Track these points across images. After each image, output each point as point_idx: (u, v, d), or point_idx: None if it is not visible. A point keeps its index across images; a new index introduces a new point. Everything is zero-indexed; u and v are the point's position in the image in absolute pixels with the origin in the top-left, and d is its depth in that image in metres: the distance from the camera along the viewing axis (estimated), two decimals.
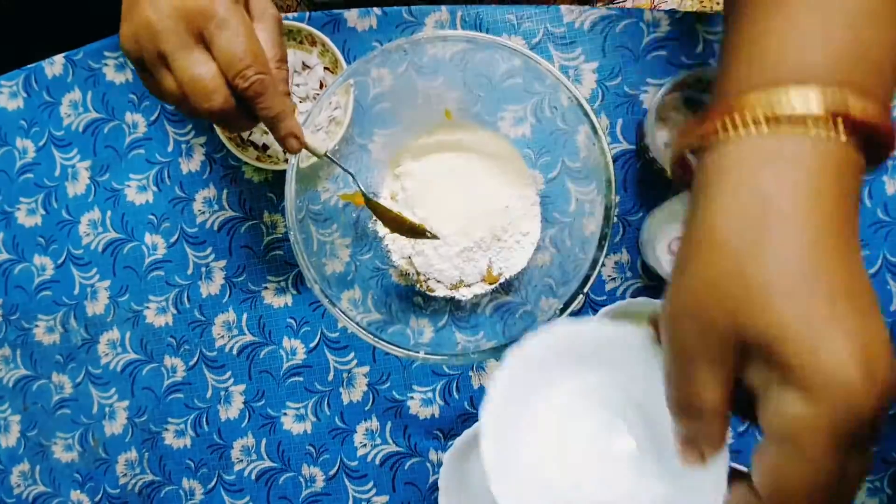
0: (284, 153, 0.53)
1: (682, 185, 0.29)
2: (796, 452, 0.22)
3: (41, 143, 0.58)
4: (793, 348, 0.22)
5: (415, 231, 0.48)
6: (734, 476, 0.26)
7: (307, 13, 0.54)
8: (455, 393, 0.54)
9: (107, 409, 0.58)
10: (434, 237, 0.49)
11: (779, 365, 0.22)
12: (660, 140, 0.50)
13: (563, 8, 0.52)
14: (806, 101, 0.23)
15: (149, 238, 0.57)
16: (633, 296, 0.52)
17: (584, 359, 0.31)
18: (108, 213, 0.57)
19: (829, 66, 0.24)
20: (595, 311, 0.52)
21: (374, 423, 0.55)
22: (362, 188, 0.46)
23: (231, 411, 0.56)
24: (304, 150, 0.41)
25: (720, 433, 0.25)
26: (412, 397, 0.55)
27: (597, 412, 0.32)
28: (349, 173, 0.46)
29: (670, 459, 0.28)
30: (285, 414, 0.56)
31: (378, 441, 0.55)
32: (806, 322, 0.22)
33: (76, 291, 0.58)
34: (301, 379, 0.56)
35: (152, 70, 0.36)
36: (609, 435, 0.31)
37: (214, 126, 0.50)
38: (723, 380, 0.24)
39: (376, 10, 0.53)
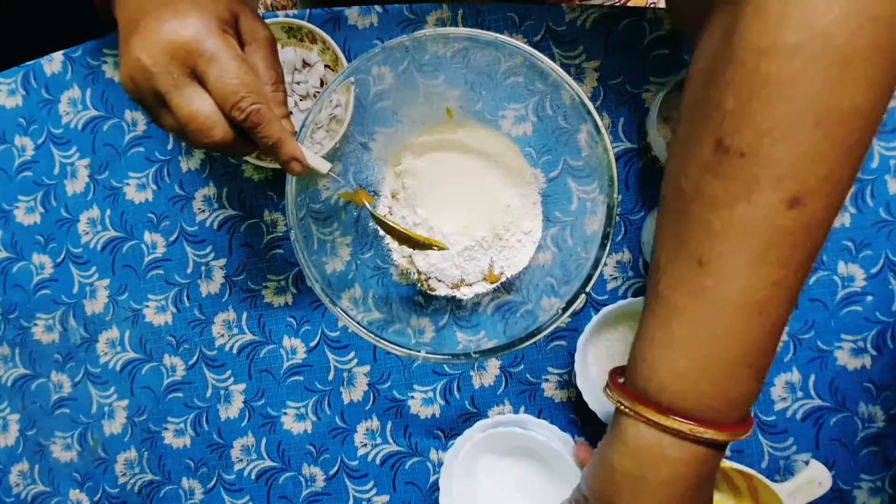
0: None
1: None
2: None
3: (40, 141, 0.58)
4: None
5: (422, 245, 0.48)
6: None
7: (308, 10, 0.53)
8: (456, 392, 0.54)
9: (106, 409, 0.57)
10: (442, 248, 0.49)
11: None
12: (662, 139, 0.49)
13: (565, 6, 0.52)
14: (674, 423, 0.33)
15: (148, 236, 0.56)
16: (635, 295, 0.52)
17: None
18: (108, 211, 0.57)
19: (699, 403, 0.33)
20: (597, 311, 0.52)
21: (374, 423, 0.55)
22: (371, 208, 0.47)
23: (231, 411, 0.56)
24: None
25: None
26: (413, 397, 0.54)
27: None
28: (354, 186, 0.46)
29: None
30: (285, 413, 0.56)
31: (378, 440, 0.55)
32: None
33: (75, 290, 0.57)
34: (301, 378, 0.55)
35: (152, 109, 0.36)
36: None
37: None
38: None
39: (377, 8, 0.53)
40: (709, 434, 0.32)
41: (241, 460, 0.56)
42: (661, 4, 0.73)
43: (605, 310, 0.48)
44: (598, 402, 0.50)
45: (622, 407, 0.35)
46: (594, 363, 0.51)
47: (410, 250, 0.51)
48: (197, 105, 0.35)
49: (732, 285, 0.30)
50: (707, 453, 0.34)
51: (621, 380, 0.37)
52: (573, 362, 0.50)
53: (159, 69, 0.34)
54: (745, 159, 0.29)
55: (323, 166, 0.41)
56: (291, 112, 0.51)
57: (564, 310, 0.41)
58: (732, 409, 0.33)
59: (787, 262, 0.30)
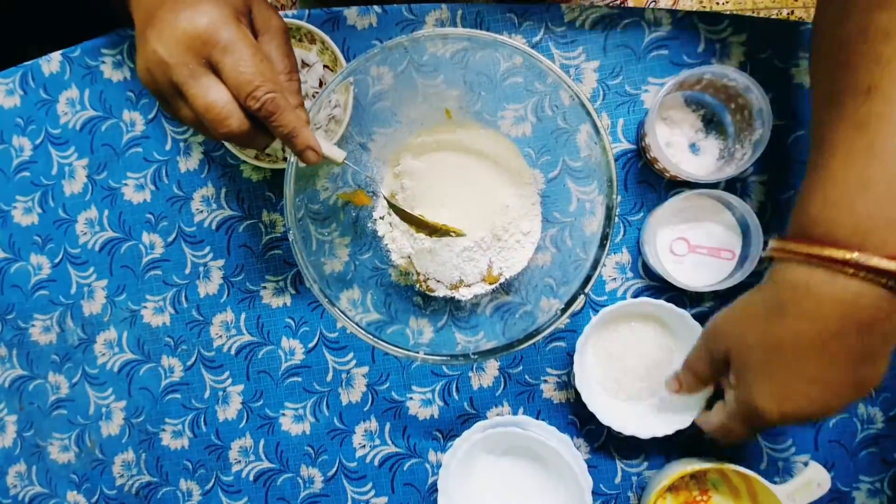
0: (284, 151, 0.52)
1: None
2: (729, 417, 0.41)
3: (38, 141, 0.57)
4: (746, 379, 0.39)
5: (440, 231, 0.48)
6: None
7: (306, 11, 0.53)
8: (455, 393, 0.54)
9: (103, 410, 0.57)
10: (459, 234, 0.48)
11: (737, 380, 0.40)
12: (661, 139, 0.49)
13: (564, 7, 0.52)
14: (867, 258, 0.32)
15: (146, 237, 0.56)
16: (634, 296, 0.52)
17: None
18: (106, 211, 0.57)
19: (883, 240, 0.32)
20: (596, 311, 0.52)
21: (373, 424, 0.55)
22: (384, 194, 0.47)
23: (229, 412, 0.56)
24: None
25: (697, 389, 0.46)
26: (411, 398, 0.54)
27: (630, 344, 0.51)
28: (370, 178, 0.46)
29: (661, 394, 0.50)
30: (284, 414, 0.55)
31: (377, 442, 0.55)
32: (756, 375, 0.38)
33: (73, 291, 0.57)
34: (300, 379, 0.55)
35: (170, 100, 0.36)
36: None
37: None
38: (712, 366, 0.43)
39: (376, 8, 0.53)
40: (871, 261, 0.31)
41: (240, 461, 0.56)
42: (661, 4, 0.73)
43: (604, 311, 0.48)
44: (597, 403, 0.50)
45: (772, 252, 0.36)
46: (594, 364, 0.51)
47: (410, 250, 0.51)
48: (213, 95, 0.35)
49: None
50: (865, 294, 0.32)
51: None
52: (572, 363, 0.50)
53: (175, 60, 0.34)
54: None
55: (338, 155, 0.41)
56: None
57: (563, 311, 0.41)
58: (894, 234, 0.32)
59: None
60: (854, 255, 0.32)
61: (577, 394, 0.50)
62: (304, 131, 0.38)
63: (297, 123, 0.37)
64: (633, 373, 0.51)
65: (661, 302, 0.49)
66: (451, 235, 0.48)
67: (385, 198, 0.47)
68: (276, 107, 0.36)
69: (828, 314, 0.33)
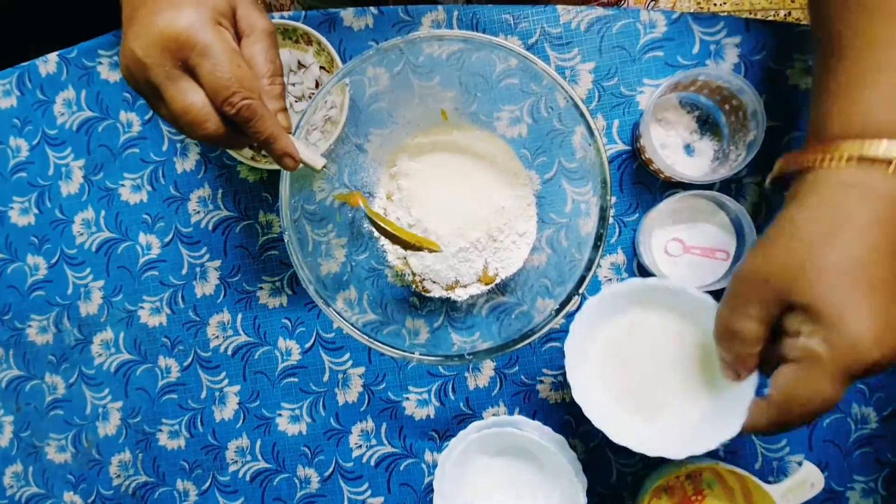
0: None
1: (775, 191, 0.40)
2: (809, 375, 0.32)
3: (34, 142, 0.57)
4: (829, 311, 0.31)
5: (414, 246, 0.48)
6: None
7: (303, 12, 0.53)
8: (451, 394, 0.54)
9: (100, 410, 0.57)
10: (435, 249, 0.49)
11: (813, 319, 0.32)
12: (656, 141, 0.50)
13: (560, 8, 0.52)
14: (884, 150, 0.31)
15: (143, 238, 0.56)
16: None
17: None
18: (102, 212, 0.57)
19: None
20: None
21: (369, 424, 0.55)
22: (365, 203, 0.47)
23: (226, 412, 0.56)
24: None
25: (754, 358, 0.36)
26: (408, 398, 0.54)
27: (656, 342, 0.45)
28: (349, 188, 0.46)
29: (715, 385, 0.42)
30: (280, 415, 0.56)
31: (373, 442, 0.55)
32: (844, 299, 0.31)
33: (69, 291, 0.57)
34: (296, 380, 0.55)
35: (148, 99, 0.37)
36: None
37: None
38: (765, 320, 0.34)
39: (373, 9, 0.53)
40: None
41: (236, 462, 0.56)
42: (662, 5, 0.74)
43: (590, 301, 0.43)
44: (589, 401, 0.46)
45: (807, 161, 0.34)
46: (597, 373, 0.46)
47: (405, 251, 0.51)
48: (190, 98, 0.35)
49: None
50: None
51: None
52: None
53: (152, 61, 0.34)
54: None
55: (317, 162, 0.41)
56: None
57: (558, 311, 0.41)
58: None
59: None
60: None
61: (573, 393, 0.49)
62: (281, 138, 0.38)
63: (274, 129, 0.37)
64: (651, 379, 0.44)
65: (656, 281, 0.43)
66: (425, 250, 0.48)
67: (365, 207, 0.46)
68: (253, 112, 0.36)
69: (892, 216, 0.31)
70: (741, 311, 0.35)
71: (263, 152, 0.52)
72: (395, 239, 0.48)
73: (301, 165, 0.40)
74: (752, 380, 0.37)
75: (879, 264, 0.31)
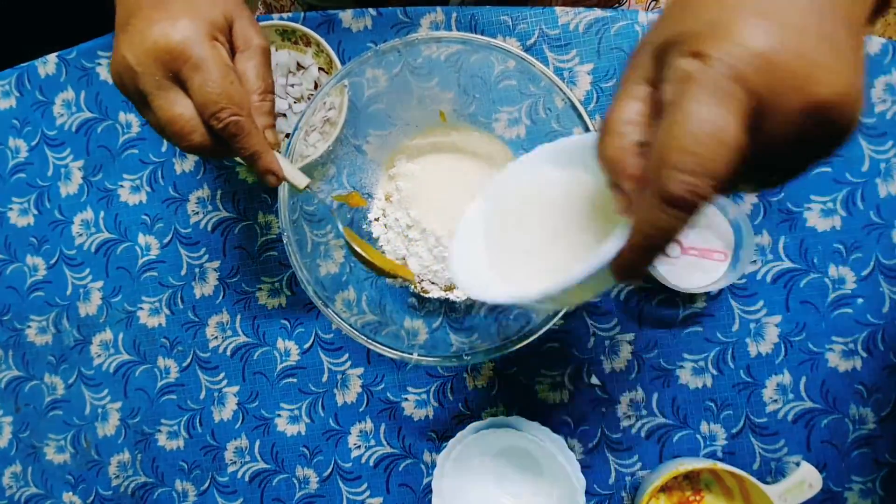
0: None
1: None
2: (687, 100, 0.21)
3: (34, 143, 0.57)
4: (714, 28, 0.21)
5: (386, 274, 0.48)
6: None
7: (302, 13, 0.53)
8: (449, 394, 0.54)
9: (99, 411, 0.57)
10: (407, 280, 0.49)
11: (693, 42, 0.22)
12: None
13: (558, 10, 0.52)
14: None
15: (142, 238, 0.56)
16: (627, 298, 0.52)
17: None
18: (101, 213, 0.57)
19: None
20: (590, 313, 0.53)
21: (368, 425, 0.55)
22: (340, 226, 0.46)
23: (225, 413, 0.56)
24: (295, 149, 0.41)
25: (634, 150, 0.24)
26: (406, 399, 0.54)
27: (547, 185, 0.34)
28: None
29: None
30: (279, 415, 0.56)
31: (372, 442, 0.55)
32: (736, 15, 0.21)
33: (69, 292, 0.57)
34: (295, 380, 0.55)
35: (137, 105, 0.37)
36: None
37: None
38: (640, 84, 0.24)
39: (371, 11, 0.53)
40: None
41: (235, 462, 0.56)
42: (662, 5, 0.74)
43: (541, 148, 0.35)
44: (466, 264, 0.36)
45: None
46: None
47: (405, 252, 0.52)
48: (178, 109, 0.35)
49: None
50: None
51: None
52: (567, 363, 0.50)
53: (143, 70, 0.34)
54: None
55: (300, 181, 0.41)
56: (286, 115, 0.52)
57: (557, 312, 0.41)
58: None
59: None
60: None
61: (571, 394, 0.50)
62: (266, 155, 0.38)
63: (259, 147, 0.37)
64: (532, 240, 0.34)
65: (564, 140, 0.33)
66: (398, 278, 0.48)
67: (341, 228, 0.46)
68: (240, 129, 0.36)
69: None
70: (618, 91, 0.25)
71: None
72: (368, 265, 0.47)
73: (283, 182, 0.40)
74: None
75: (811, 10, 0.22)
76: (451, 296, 0.51)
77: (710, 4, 0.23)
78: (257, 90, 0.38)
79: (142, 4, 0.35)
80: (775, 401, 0.51)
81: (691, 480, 0.51)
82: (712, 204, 0.27)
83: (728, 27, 0.21)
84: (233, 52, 0.38)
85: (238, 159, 0.50)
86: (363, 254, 0.46)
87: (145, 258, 0.56)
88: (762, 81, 0.21)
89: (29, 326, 0.58)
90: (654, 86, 0.24)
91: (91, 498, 0.58)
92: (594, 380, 0.53)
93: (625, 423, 0.53)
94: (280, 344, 0.55)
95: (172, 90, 0.35)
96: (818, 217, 0.51)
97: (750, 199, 0.51)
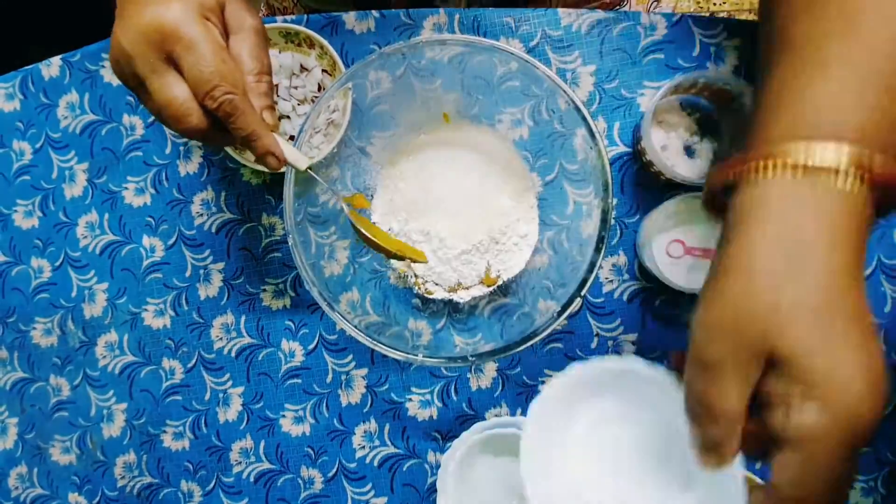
0: None
1: (711, 213, 0.34)
2: (812, 455, 0.26)
3: (38, 146, 0.58)
4: (816, 363, 0.26)
5: (395, 255, 0.47)
6: (751, 486, 0.29)
7: (305, 16, 0.54)
8: (453, 395, 0.54)
9: (105, 412, 0.58)
10: (417, 260, 0.48)
11: (801, 379, 0.26)
12: (656, 143, 0.50)
13: (561, 11, 0.52)
14: (838, 156, 0.27)
15: (147, 240, 0.57)
16: (630, 298, 0.53)
17: (603, 389, 0.36)
18: (106, 215, 0.57)
19: (860, 126, 0.28)
20: (593, 313, 0.53)
21: (372, 425, 0.55)
22: (346, 208, 0.46)
23: (229, 413, 0.56)
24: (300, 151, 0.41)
25: (737, 438, 0.28)
26: (410, 399, 0.55)
27: (620, 439, 0.37)
28: (351, 190, 0.46)
29: (693, 476, 0.33)
30: (284, 416, 0.56)
31: (376, 443, 0.55)
32: (827, 342, 0.26)
33: (74, 294, 0.58)
34: (299, 381, 0.56)
35: (135, 91, 0.37)
36: (635, 457, 0.36)
37: None
38: (745, 389, 0.28)
39: (374, 13, 0.53)
40: (883, 166, 0.27)
41: (240, 463, 0.56)
42: (664, 5, 0.74)
43: (534, 408, 0.37)
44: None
45: (750, 172, 0.29)
46: (557, 471, 0.38)
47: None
48: (174, 92, 0.35)
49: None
50: (863, 194, 0.27)
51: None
52: (569, 364, 0.50)
53: (137, 53, 0.34)
54: None
55: (301, 162, 0.40)
56: (289, 117, 0.52)
57: (560, 313, 0.42)
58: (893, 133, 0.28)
59: None
60: (878, 162, 0.27)
61: None
62: (264, 136, 0.38)
63: (256, 127, 0.37)
64: (622, 488, 0.36)
65: (600, 364, 0.35)
66: (407, 259, 0.48)
67: (346, 212, 0.46)
68: (235, 108, 0.36)
69: (847, 229, 0.27)
70: (716, 379, 0.28)
71: None
72: (377, 248, 0.47)
73: (284, 165, 0.40)
74: (737, 464, 0.29)
75: (847, 293, 0.27)
76: (455, 297, 0.52)
77: (803, 310, 0.27)
78: (252, 71, 0.38)
79: None
80: None
81: None
82: None
83: (834, 371, 0.26)
84: (227, 34, 0.38)
85: (242, 161, 0.51)
86: (369, 235, 0.46)
87: (150, 260, 0.57)
88: (867, 434, 0.27)
89: (34, 328, 0.58)
90: (753, 383, 0.28)
91: (97, 499, 0.58)
92: None
93: None
94: (284, 345, 0.56)
95: (168, 73, 0.35)
96: None
97: None
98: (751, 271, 0.28)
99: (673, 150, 0.50)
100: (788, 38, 0.31)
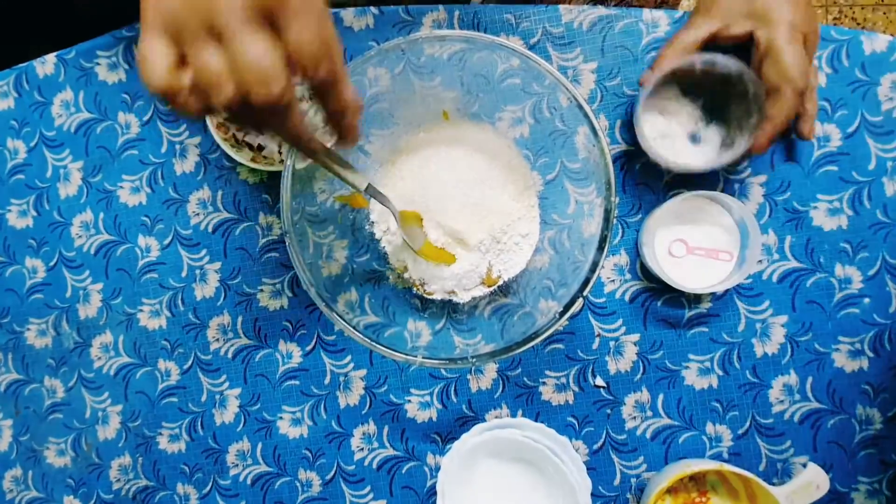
0: (279, 153, 0.52)
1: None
2: (787, 95, 0.45)
3: (32, 144, 0.57)
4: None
5: (432, 258, 0.49)
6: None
7: None
8: (453, 396, 0.54)
9: (100, 414, 0.57)
10: (448, 263, 0.49)
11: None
12: (656, 131, 0.49)
13: (562, 8, 0.51)
14: None
15: (142, 240, 0.56)
16: (632, 298, 0.52)
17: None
18: (101, 214, 0.56)
19: None
20: (595, 314, 0.52)
21: (371, 427, 0.55)
22: (395, 212, 0.47)
23: (226, 415, 0.56)
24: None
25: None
26: (410, 401, 0.54)
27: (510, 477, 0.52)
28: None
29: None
30: (281, 418, 0.55)
31: (375, 445, 0.54)
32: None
33: (68, 294, 0.57)
34: (297, 382, 0.55)
35: (189, 45, 0.31)
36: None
37: (209, 126, 0.50)
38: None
39: (373, 9, 0.53)
40: None
41: (237, 465, 0.56)
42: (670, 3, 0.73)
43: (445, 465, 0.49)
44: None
45: None
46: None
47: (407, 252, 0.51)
48: (263, 50, 0.30)
49: None
50: None
51: None
52: (573, 364, 0.49)
53: (232, 5, 0.30)
54: None
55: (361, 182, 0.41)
56: None
57: (562, 313, 0.41)
58: None
59: None
60: None
61: (576, 396, 0.49)
62: (357, 112, 0.36)
63: (354, 103, 0.35)
64: None
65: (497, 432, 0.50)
66: (441, 265, 0.49)
67: (395, 217, 0.47)
68: (339, 77, 0.33)
69: None
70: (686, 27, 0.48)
71: (264, 153, 0.52)
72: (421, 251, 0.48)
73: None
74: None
75: None
76: (455, 297, 0.51)
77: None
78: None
79: None
80: (781, 401, 0.51)
81: (697, 482, 0.51)
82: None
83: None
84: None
85: (239, 159, 0.50)
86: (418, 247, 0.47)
87: (145, 260, 0.56)
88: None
89: (28, 329, 0.58)
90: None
91: (92, 502, 0.57)
92: (599, 381, 0.52)
93: (630, 425, 0.52)
94: (282, 346, 0.55)
95: (263, 30, 0.31)
96: (824, 216, 0.50)
97: (756, 198, 0.51)
98: None
99: (675, 137, 0.49)
100: None
